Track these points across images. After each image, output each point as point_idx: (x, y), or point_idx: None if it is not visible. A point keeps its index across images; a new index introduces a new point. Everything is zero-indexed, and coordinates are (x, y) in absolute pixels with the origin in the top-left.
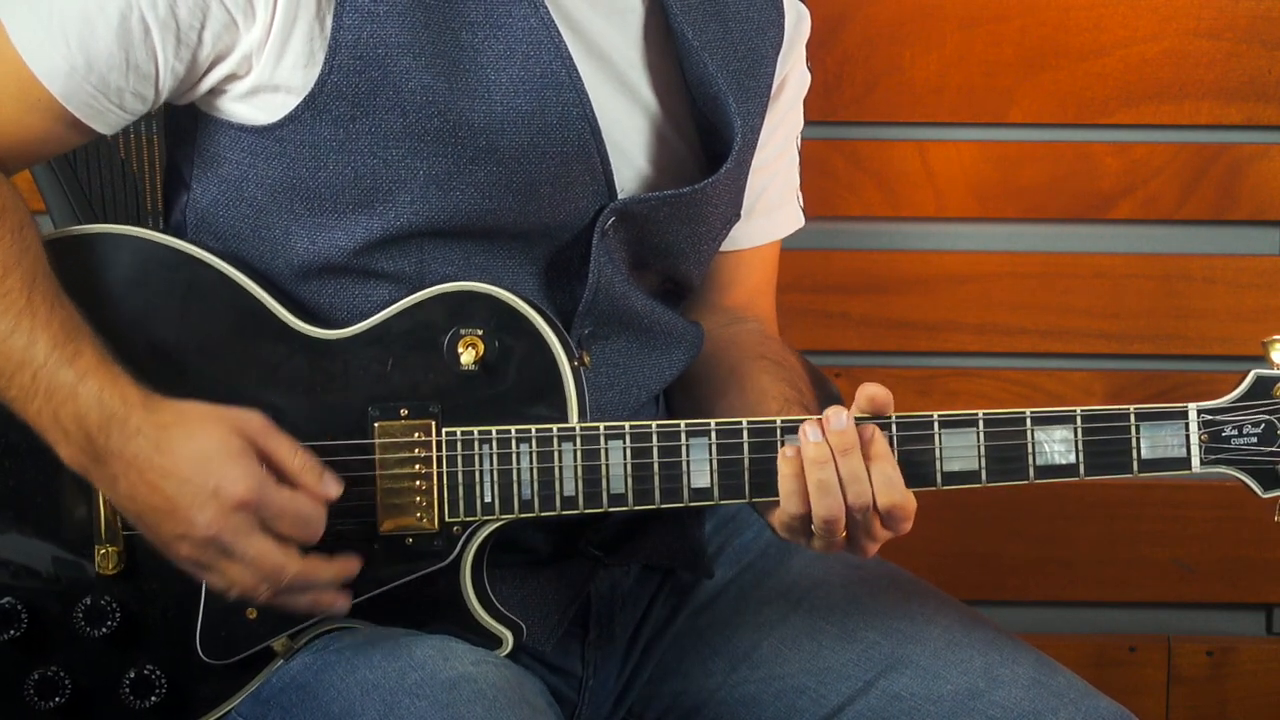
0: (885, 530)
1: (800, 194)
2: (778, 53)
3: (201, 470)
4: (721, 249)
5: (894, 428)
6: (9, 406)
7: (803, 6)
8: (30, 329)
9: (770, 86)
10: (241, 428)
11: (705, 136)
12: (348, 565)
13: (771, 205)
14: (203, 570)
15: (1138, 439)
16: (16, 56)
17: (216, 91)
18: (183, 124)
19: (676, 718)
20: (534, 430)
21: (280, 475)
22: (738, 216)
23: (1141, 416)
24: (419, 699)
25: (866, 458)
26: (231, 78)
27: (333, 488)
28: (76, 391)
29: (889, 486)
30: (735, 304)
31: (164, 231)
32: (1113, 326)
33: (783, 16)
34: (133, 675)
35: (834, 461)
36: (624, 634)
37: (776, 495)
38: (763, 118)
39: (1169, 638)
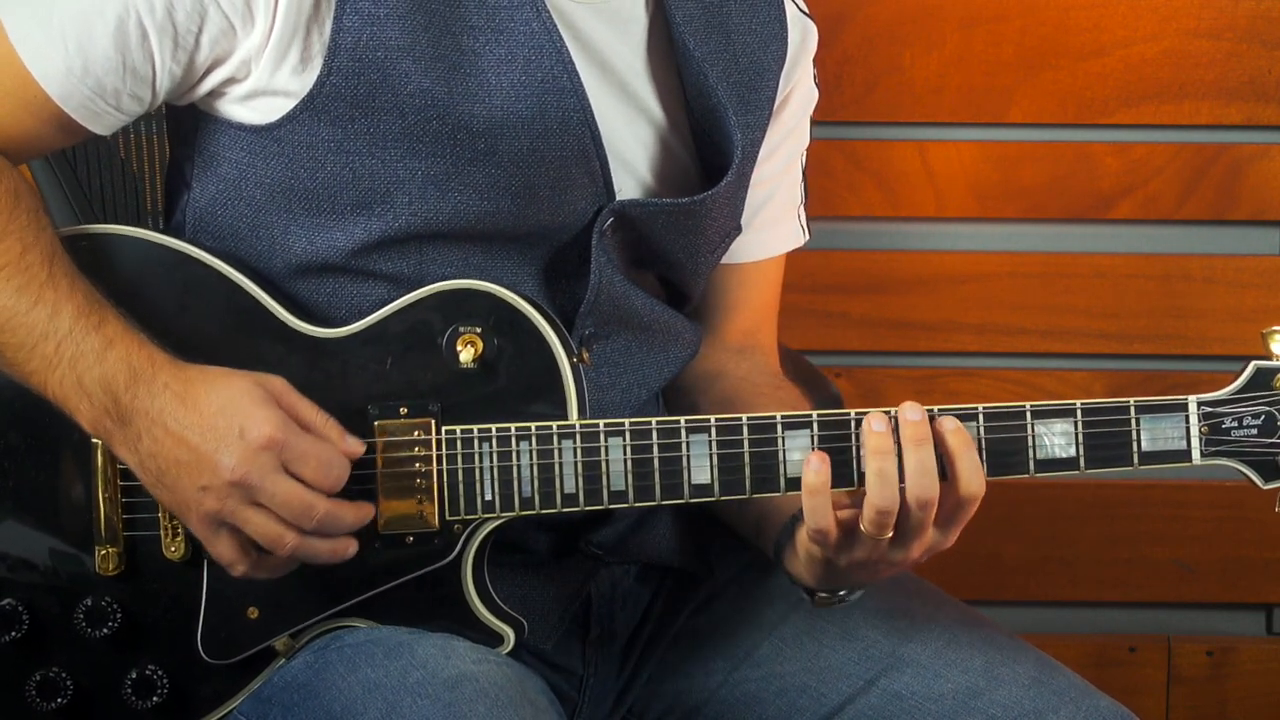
0: (935, 532)
1: (804, 211)
2: (781, 68)
3: (226, 415)
4: (722, 262)
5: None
6: (25, 381)
7: (810, 23)
8: (54, 301)
9: (773, 100)
10: (264, 383)
11: (705, 148)
12: (365, 510)
13: (771, 220)
14: (218, 531)
15: (1138, 431)
16: (15, 56)
17: (215, 94)
18: (183, 123)
19: (677, 716)
20: (534, 428)
21: (303, 427)
22: (738, 230)
23: (1141, 409)
24: (421, 698)
25: (952, 446)
26: (230, 81)
27: (354, 445)
28: (104, 356)
29: (975, 473)
30: (741, 331)
31: (164, 231)
32: (1113, 326)
33: (786, 31)
34: (134, 676)
35: (897, 453)
36: (625, 632)
37: (776, 490)
38: (764, 131)
39: (1169, 638)
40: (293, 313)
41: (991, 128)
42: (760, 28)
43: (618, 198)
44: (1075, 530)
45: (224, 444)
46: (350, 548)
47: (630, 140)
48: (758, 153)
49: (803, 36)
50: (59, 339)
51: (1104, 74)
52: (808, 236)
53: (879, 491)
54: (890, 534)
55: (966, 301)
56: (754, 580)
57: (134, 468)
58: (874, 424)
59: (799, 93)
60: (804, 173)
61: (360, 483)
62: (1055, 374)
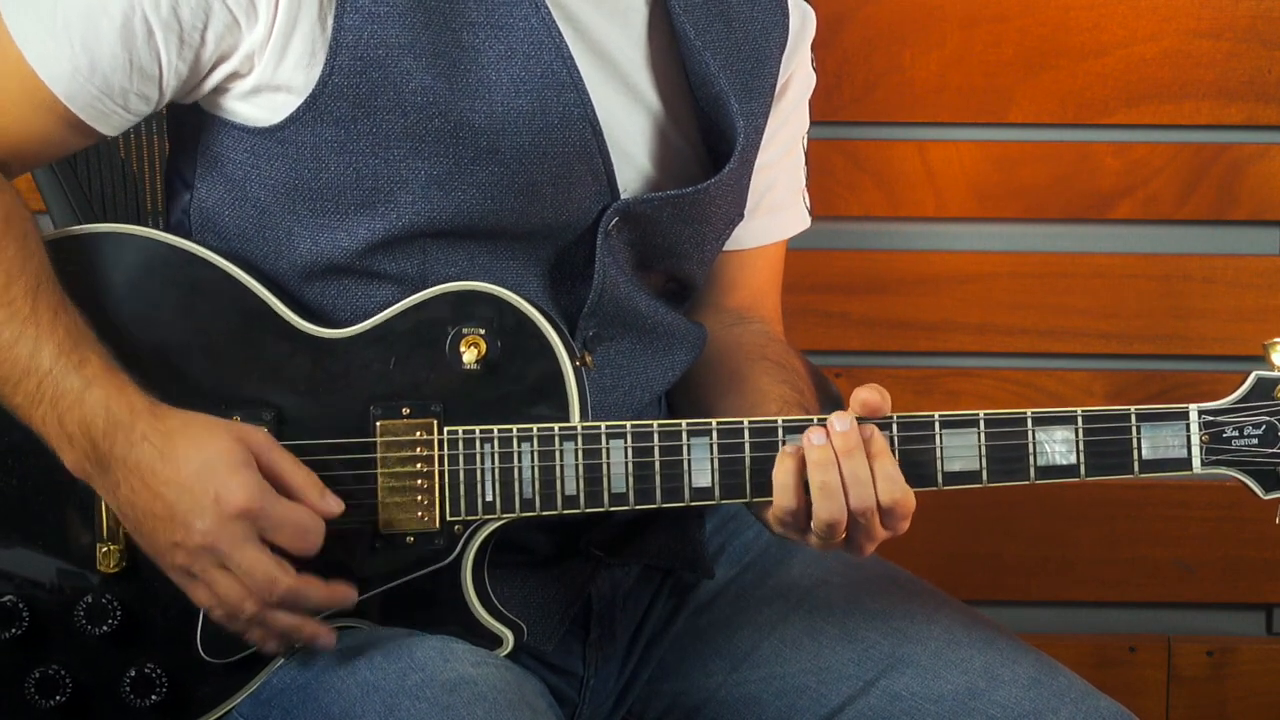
0: (885, 530)
1: (807, 194)
2: (782, 53)
3: (203, 478)
4: (725, 248)
5: (895, 427)
6: (14, 414)
7: (808, 8)
8: (35, 337)
9: (774, 86)
10: (246, 440)
11: (708, 136)
12: (342, 593)
13: (776, 205)
14: (192, 581)
15: (1138, 439)
16: (21, 58)
17: (219, 90)
18: (185, 124)
19: (677, 717)
20: (535, 429)
21: (281, 490)
22: (741, 216)
23: (1142, 417)
24: (419, 700)
25: (867, 456)
26: (234, 76)
27: (334, 505)
28: (83, 398)
29: (890, 483)
30: (739, 304)
31: (165, 231)
32: (1113, 326)
33: (787, 17)
34: (133, 674)
35: (837, 464)
36: (625, 634)
37: None
38: (766, 118)
39: (1169, 638)
40: (298, 313)
41: (991, 128)
42: (760, 14)
43: (622, 194)
44: (1075, 530)
45: (198, 506)
46: (321, 635)
47: (632, 132)
48: (761, 138)
49: (802, 21)
50: (40, 376)
51: (1104, 74)
52: (811, 220)
53: (824, 504)
54: (841, 539)
55: (966, 301)
56: (754, 580)
57: (114, 511)
58: (813, 437)
59: (798, 77)
60: (805, 154)
61: (362, 483)
62: (1055, 374)
